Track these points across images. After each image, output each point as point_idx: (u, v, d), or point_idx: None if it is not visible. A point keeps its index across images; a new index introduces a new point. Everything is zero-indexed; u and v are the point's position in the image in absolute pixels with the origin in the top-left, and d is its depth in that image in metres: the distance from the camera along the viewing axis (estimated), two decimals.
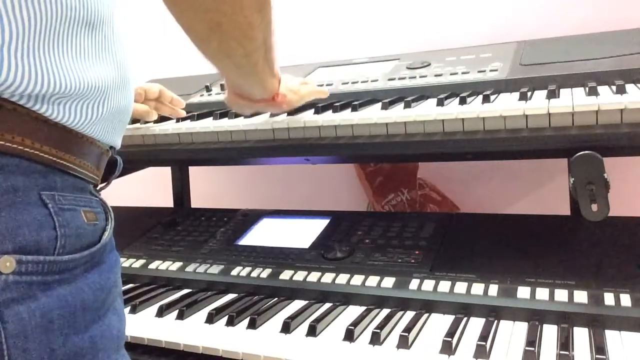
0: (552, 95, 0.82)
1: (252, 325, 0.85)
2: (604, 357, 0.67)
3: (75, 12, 0.50)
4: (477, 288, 0.86)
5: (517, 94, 0.86)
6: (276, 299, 0.95)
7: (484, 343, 0.72)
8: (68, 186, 0.52)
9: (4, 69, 0.44)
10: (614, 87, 0.80)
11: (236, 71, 0.79)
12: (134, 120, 1.13)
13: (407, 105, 0.89)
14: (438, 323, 0.82)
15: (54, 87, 0.48)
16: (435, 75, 1.05)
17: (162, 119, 1.14)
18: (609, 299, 0.79)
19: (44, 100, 0.48)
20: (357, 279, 0.94)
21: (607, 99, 0.77)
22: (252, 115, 1.02)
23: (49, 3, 0.47)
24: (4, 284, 0.45)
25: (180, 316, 0.91)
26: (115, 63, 0.57)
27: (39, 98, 0.48)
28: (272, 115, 0.99)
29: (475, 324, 0.80)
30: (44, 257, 0.47)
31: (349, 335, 0.79)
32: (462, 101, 0.86)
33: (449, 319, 0.83)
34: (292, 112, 0.97)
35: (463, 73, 1.04)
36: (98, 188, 0.60)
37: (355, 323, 0.81)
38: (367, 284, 0.92)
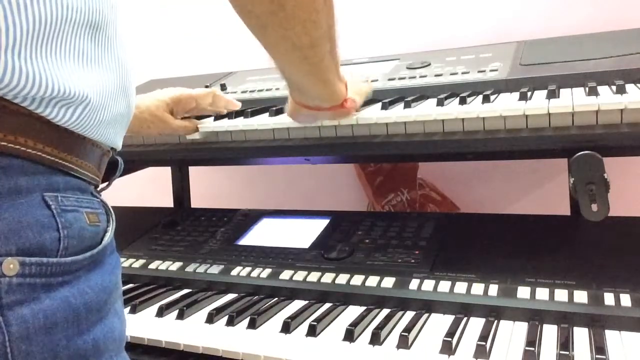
0: (552, 95, 0.82)
1: (252, 325, 0.85)
2: (604, 357, 0.67)
3: (80, 14, 0.49)
4: (477, 288, 0.86)
5: (517, 94, 0.86)
6: (276, 299, 0.95)
7: (484, 343, 0.72)
8: (70, 187, 0.51)
9: (7, 72, 0.44)
10: (614, 87, 0.80)
11: (302, 66, 0.71)
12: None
13: (407, 105, 0.89)
14: (438, 323, 0.82)
15: (57, 91, 0.47)
16: (435, 75, 1.05)
17: None
18: (609, 299, 0.79)
19: (47, 104, 0.48)
20: (357, 279, 0.94)
21: (607, 99, 0.76)
22: (252, 115, 1.02)
23: (54, 5, 0.46)
24: (8, 286, 0.44)
25: (180, 316, 0.91)
26: (117, 66, 0.56)
27: (42, 101, 0.47)
28: (271, 115, 0.99)
29: (475, 324, 0.80)
30: (47, 259, 0.47)
31: (349, 335, 0.79)
32: (462, 101, 0.86)
33: (449, 319, 0.83)
34: None
35: (463, 73, 1.04)
36: (99, 189, 0.59)
37: (355, 323, 0.81)
38: (367, 284, 0.92)
